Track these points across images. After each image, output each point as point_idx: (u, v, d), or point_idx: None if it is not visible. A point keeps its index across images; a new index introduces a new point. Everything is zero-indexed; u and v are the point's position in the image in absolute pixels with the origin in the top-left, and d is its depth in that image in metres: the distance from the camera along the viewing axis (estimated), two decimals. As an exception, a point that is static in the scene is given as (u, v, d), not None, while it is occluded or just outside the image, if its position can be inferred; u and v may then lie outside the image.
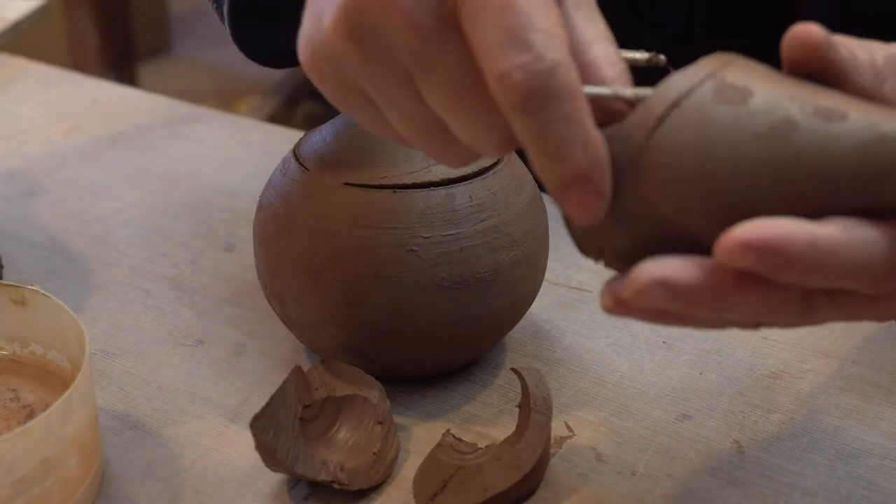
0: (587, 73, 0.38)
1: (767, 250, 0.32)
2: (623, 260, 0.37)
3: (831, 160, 0.33)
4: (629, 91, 0.37)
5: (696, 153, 0.34)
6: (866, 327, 0.61)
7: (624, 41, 0.78)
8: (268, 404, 0.48)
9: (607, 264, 0.38)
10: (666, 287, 0.34)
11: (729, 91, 0.35)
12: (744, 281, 0.34)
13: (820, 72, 0.37)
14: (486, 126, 0.36)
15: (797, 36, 0.37)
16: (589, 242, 0.39)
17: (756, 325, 0.37)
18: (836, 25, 0.69)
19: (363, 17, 0.36)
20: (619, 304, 0.36)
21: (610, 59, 0.38)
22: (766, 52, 0.72)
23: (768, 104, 0.34)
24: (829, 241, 0.33)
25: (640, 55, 0.39)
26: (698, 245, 0.35)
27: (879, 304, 0.36)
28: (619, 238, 0.37)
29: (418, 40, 0.35)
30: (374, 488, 0.50)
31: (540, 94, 0.34)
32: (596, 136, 0.35)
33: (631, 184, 0.36)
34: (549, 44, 0.34)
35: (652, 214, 0.36)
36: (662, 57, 0.39)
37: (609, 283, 0.37)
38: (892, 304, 0.36)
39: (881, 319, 0.37)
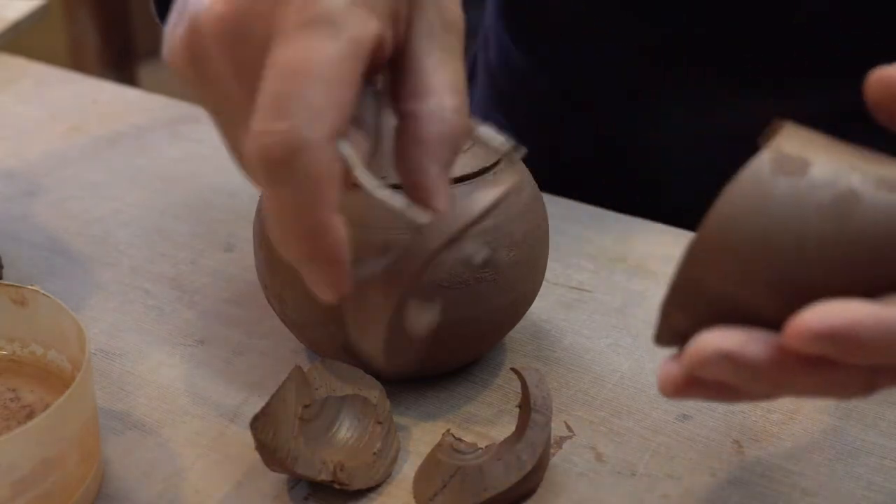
0: (407, 125, 0.36)
1: (839, 338, 0.32)
2: (680, 338, 0.36)
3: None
4: (397, 202, 0.36)
5: (757, 228, 0.33)
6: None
7: (623, 41, 0.78)
8: (268, 404, 0.48)
9: (662, 343, 0.37)
10: (729, 360, 0.33)
11: (787, 162, 0.34)
12: (808, 362, 0.33)
13: None
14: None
15: (881, 79, 0.36)
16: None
17: (813, 396, 0.36)
18: (836, 23, 0.69)
19: (198, 41, 0.36)
20: (678, 388, 0.35)
21: (437, 117, 0.36)
22: (765, 52, 0.72)
23: (829, 175, 0.33)
24: None
25: (498, 141, 0.37)
26: (758, 317, 0.34)
27: None
28: (674, 316, 0.36)
29: (231, 78, 0.35)
30: (374, 488, 0.50)
31: (280, 169, 0.33)
32: (331, 226, 0.34)
33: (684, 263, 0.35)
34: (310, 122, 0.32)
35: (708, 291, 0.35)
36: (520, 153, 0.37)
37: (665, 367, 0.36)
38: None
39: None
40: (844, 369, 0.34)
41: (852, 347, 0.32)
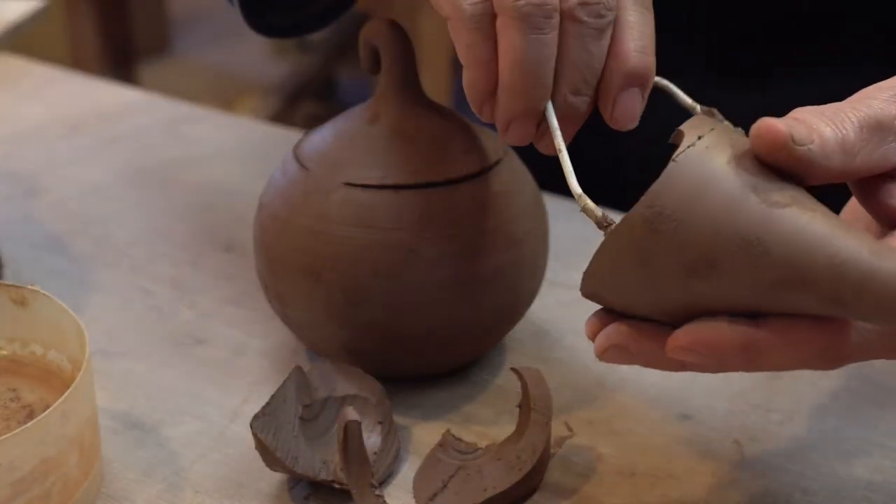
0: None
1: (705, 351, 0.38)
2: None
3: (753, 288, 0.37)
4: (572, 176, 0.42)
5: (628, 274, 0.38)
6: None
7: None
8: (268, 404, 0.48)
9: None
10: (624, 352, 0.40)
11: (659, 221, 0.37)
12: None
13: (788, 165, 0.38)
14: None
15: (762, 136, 0.38)
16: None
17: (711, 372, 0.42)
18: (827, 15, 0.69)
19: None
20: (593, 337, 0.41)
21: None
22: (754, 48, 0.72)
23: (695, 237, 0.37)
24: (762, 342, 0.37)
25: (689, 101, 0.44)
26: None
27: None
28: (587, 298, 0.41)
29: None
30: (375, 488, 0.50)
31: None
32: None
33: (583, 279, 0.40)
34: None
35: (604, 302, 0.41)
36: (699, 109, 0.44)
37: (590, 322, 0.41)
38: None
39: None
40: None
41: (718, 359, 0.38)
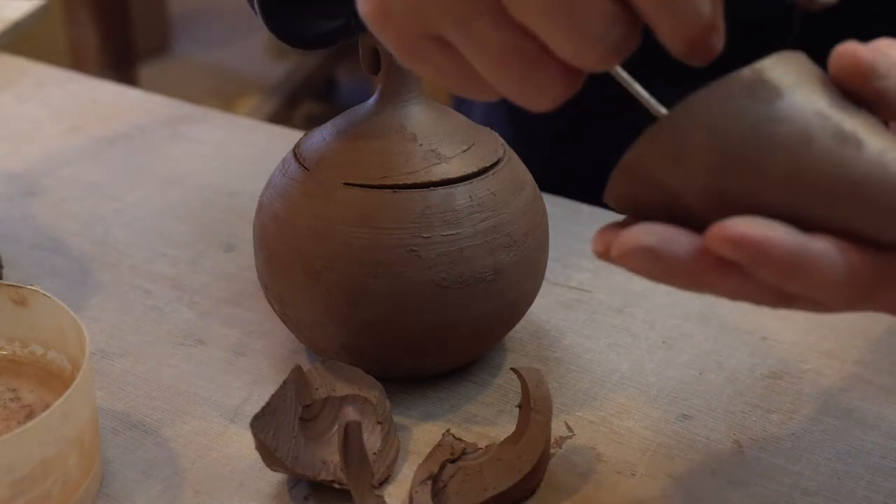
0: None
1: (750, 249, 0.34)
2: (623, 206, 0.39)
3: (835, 184, 0.34)
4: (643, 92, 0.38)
5: (704, 136, 0.35)
6: (867, 327, 0.61)
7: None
8: (268, 404, 0.48)
9: (608, 202, 0.39)
10: (650, 255, 0.35)
11: (760, 88, 0.35)
12: (724, 267, 0.35)
13: (863, 94, 0.36)
14: (594, 28, 0.35)
15: (844, 58, 0.36)
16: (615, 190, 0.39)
17: (729, 299, 0.38)
18: (831, 25, 0.69)
19: None
20: (606, 254, 0.37)
21: None
22: (759, 54, 0.72)
23: (792, 113, 0.35)
24: (813, 255, 0.34)
25: (645, 96, 0.39)
26: (687, 215, 0.36)
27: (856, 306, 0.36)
28: (619, 184, 0.38)
29: None
30: (375, 488, 0.50)
31: None
32: None
33: (638, 140, 0.36)
34: None
35: (648, 173, 0.37)
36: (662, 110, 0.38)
37: (602, 231, 0.38)
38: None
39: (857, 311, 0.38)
40: (756, 282, 0.35)
41: (760, 261, 0.34)
